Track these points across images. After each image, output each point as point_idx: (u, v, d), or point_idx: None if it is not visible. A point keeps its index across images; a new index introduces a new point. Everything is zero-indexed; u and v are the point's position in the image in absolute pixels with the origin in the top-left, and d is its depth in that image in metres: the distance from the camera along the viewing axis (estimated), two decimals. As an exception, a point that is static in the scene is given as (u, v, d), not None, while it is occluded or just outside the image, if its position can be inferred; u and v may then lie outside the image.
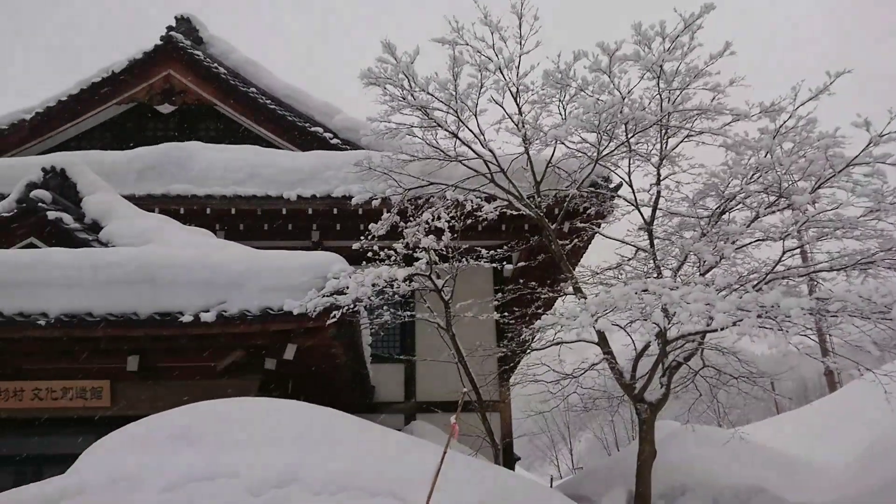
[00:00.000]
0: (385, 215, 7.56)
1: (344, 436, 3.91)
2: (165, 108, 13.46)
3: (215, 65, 13.55)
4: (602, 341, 6.72)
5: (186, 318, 6.74)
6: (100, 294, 6.87)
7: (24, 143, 13.03)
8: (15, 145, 12.90)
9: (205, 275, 6.95)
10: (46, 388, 7.90)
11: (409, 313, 8.03)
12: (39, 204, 8.45)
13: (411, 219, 7.44)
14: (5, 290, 6.84)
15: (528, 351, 7.62)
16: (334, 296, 6.55)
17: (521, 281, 8.03)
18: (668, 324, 5.44)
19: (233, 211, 10.40)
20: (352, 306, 6.51)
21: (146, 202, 10.10)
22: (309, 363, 8.00)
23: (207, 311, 6.79)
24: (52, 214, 8.40)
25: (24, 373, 7.90)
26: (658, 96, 6.55)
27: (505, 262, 8.12)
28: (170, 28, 13.83)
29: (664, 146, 6.91)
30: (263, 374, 7.84)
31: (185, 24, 14.10)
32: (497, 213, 7.67)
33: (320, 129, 12.78)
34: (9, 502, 3.46)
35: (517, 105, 7.03)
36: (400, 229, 7.47)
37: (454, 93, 6.82)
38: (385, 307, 7.56)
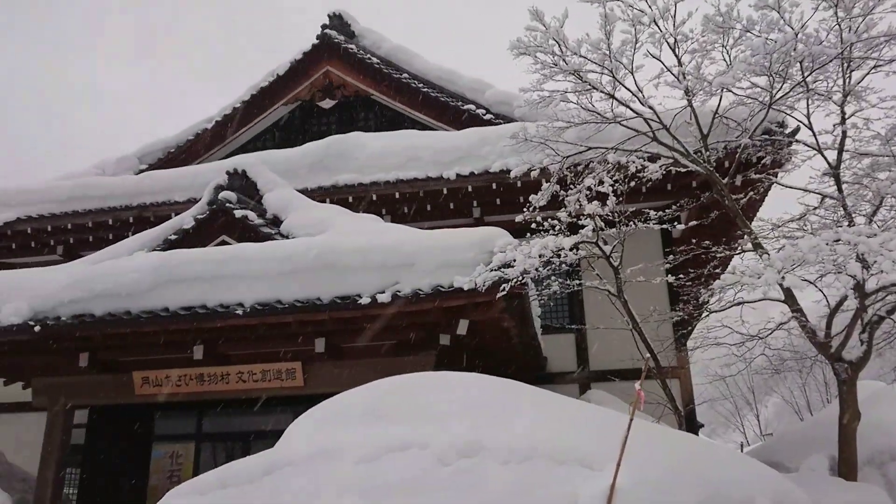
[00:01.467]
0: (544, 185, 7.49)
1: (525, 405, 3.97)
2: (326, 103, 14.19)
3: (368, 56, 14.06)
4: (790, 299, 6.27)
5: (364, 300, 7.10)
6: (286, 282, 7.41)
7: (207, 150, 14.30)
8: (200, 153, 14.18)
9: (378, 258, 7.28)
10: (248, 371, 8.67)
11: (577, 282, 7.95)
12: (227, 204, 9.24)
13: (572, 187, 7.32)
14: (207, 285, 7.57)
15: (706, 313, 7.29)
16: (502, 269, 6.62)
17: (693, 241, 7.68)
18: (867, 275, 4.98)
19: (396, 195, 10.80)
20: (520, 278, 6.54)
21: (317, 194, 10.74)
22: (481, 337, 8.16)
23: (383, 292, 7.11)
24: (238, 213, 9.16)
25: (229, 358, 8.73)
26: (837, 26, 5.95)
27: (676, 223, 7.78)
28: (324, 26, 14.52)
29: (847, 81, 6.27)
30: (439, 350, 8.10)
31: (337, 21, 14.74)
32: (662, 172, 7.35)
33: (473, 106, 12.90)
34: (231, 473, 3.86)
35: (676, 56, 6.66)
36: (561, 198, 7.38)
37: (607, 52, 6.59)
38: (552, 277, 7.52)
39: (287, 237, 8.75)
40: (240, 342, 8.45)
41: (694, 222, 7.97)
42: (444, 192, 10.64)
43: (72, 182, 12.42)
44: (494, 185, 10.43)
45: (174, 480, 9.99)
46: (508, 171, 9.44)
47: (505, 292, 6.61)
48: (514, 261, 6.45)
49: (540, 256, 6.37)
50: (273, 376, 8.65)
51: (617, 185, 7.18)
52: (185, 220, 9.39)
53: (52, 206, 11.86)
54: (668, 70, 6.72)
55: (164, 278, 7.71)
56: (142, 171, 13.57)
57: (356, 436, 3.70)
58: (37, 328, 7.81)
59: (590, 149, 7.35)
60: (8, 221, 11.73)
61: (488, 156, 10.49)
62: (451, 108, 13.07)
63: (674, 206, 7.99)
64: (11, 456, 10.81)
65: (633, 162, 7.28)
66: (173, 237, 9.24)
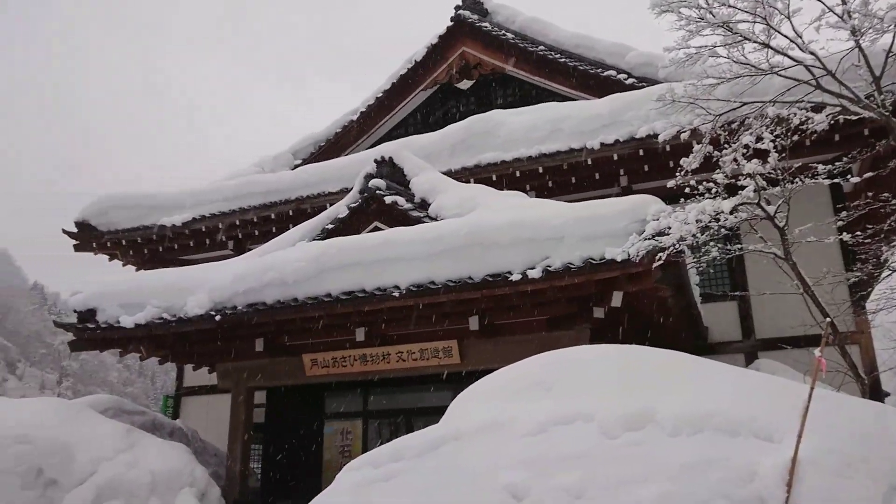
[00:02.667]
0: (696, 147, 7.12)
1: (693, 376, 3.83)
2: (464, 84, 14.29)
3: (502, 32, 13.98)
4: None
5: (515, 277, 7.13)
6: (438, 263, 7.59)
7: (354, 141, 14.87)
8: (348, 144, 14.78)
9: (527, 233, 7.27)
10: (407, 350, 9.01)
11: (738, 246, 7.53)
12: (377, 191, 9.59)
13: (726, 146, 6.91)
14: (364, 269, 7.91)
15: (888, 272, 6.67)
16: (655, 238, 6.40)
17: (869, 194, 7.02)
18: None
19: (540, 169, 10.71)
20: (675, 246, 6.29)
21: (461, 174, 10.88)
22: (637, 309, 7.96)
23: (533, 267, 7.11)
24: (388, 199, 9.48)
25: (389, 338, 9.10)
26: None
27: (848, 177, 7.15)
28: (457, 7, 14.58)
29: None
30: (593, 323, 8.00)
31: (469, 0, 14.75)
32: (829, 122, 6.76)
33: (613, 72, 12.50)
34: (402, 447, 4.04)
35: (839, -7, 6.08)
36: (715, 159, 6.99)
37: (760, -2, 6.13)
38: (711, 243, 7.17)
39: (435, 219, 8.94)
40: (398, 323, 8.79)
41: (869, 174, 7.27)
42: (589, 162, 10.42)
43: (236, 181, 13.37)
44: (641, 152, 10.08)
45: (345, 455, 10.60)
46: (655, 136, 9.08)
47: (661, 262, 6.39)
48: (669, 228, 6.21)
49: (697, 222, 6.08)
50: (431, 354, 8.93)
51: (778, 140, 6.70)
52: (340, 209, 9.84)
53: (221, 205, 12.84)
54: (830, 10, 6.15)
55: (326, 265, 8.14)
56: (296, 165, 14.36)
57: (522, 409, 3.75)
58: (217, 317, 8.53)
59: (744, 104, 6.89)
60: (185, 221, 12.86)
61: (633, 121, 10.14)
62: (590, 76, 12.74)
63: (844, 159, 7.32)
64: (203, 434, 11.92)
65: (795, 114, 6.75)
66: (330, 226, 9.72)
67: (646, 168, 10.36)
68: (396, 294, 7.66)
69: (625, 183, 10.88)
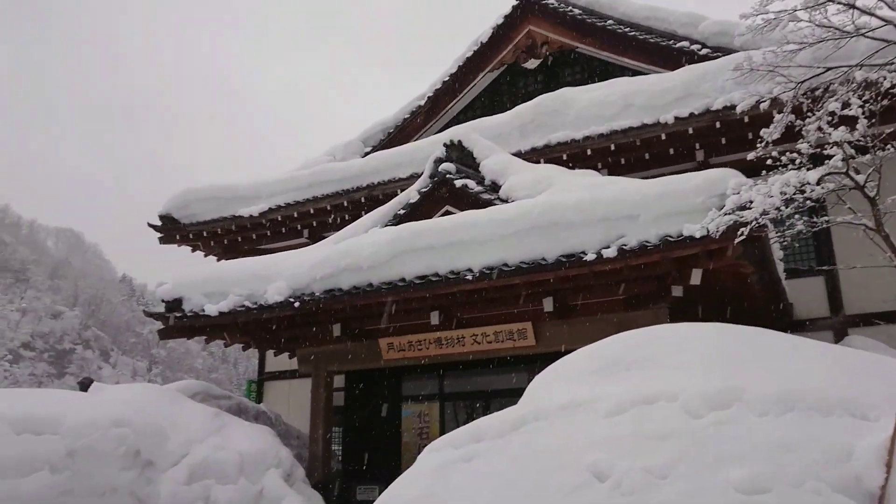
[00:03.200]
0: (777, 117, 6.82)
1: (780, 353, 3.70)
2: (531, 64, 14.12)
3: (569, 8, 13.73)
4: None
5: (590, 257, 7.04)
6: (511, 245, 7.56)
7: (422, 126, 14.92)
8: (416, 130, 14.85)
9: (600, 212, 7.16)
10: (482, 333, 9.04)
11: (824, 219, 7.20)
12: (447, 175, 9.61)
13: (810, 115, 6.60)
14: (437, 254, 7.96)
15: None
16: (736, 213, 6.18)
17: (969, 159, 6.57)
18: None
19: (612, 147, 10.50)
20: (758, 221, 6.06)
21: (531, 155, 10.79)
22: (718, 286, 7.74)
23: (608, 246, 7.00)
24: (458, 182, 9.49)
25: (463, 322, 9.15)
26: None
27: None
28: (521, -14, 14.39)
29: None
30: (672, 302, 7.83)
31: (533, -22, 14.53)
32: (922, 83, 6.36)
33: (686, 43, 12.10)
34: (482, 428, 4.07)
35: (934, -56, 5.69)
36: (797, 129, 6.68)
37: (845, -45, 5.80)
38: (795, 216, 6.88)
39: (507, 201, 8.90)
40: (472, 306, 8.82)
41: (972, 136, 6.83)
42: (663, 137, 10.15)
43: (309, 171, 13.65)
44: (717, 124, 9.75)
45: (423, 437, 10.74)
46: (733, 107, 8.74)
47: (742, 237, 6.18)
48: (751, 202, 5.98)
49: (781, 194, 5.84)
50: (505, 337, 8.94)
51: (866, 105, 6.35)
52: (411, 194, 9.92)
53: (296, 195, 13.14)
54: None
55: (399, 250, 8.24)
56: (367, 153, 14.54)
57: (603, 389, 3.71)
58: (296, 304, 8.77)
59: (829, 69, 6.55)
60: (262, 212, 13.23)
61: (708, 93, 9.81)
62: (662, 49, 12.37)
63: (943, 121, 6.90)
64: (286, 417, 12.31)
65: (885, 77, 6.38)
66: (402, 212, 9.82)
67: (723, 141, 10.02)
68: (469, 277, 7.68)
69: (701, 157, 10.55)
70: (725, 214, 6.24)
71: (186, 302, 9.67)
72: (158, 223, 13.99)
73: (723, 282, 7.64)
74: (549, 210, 7.49)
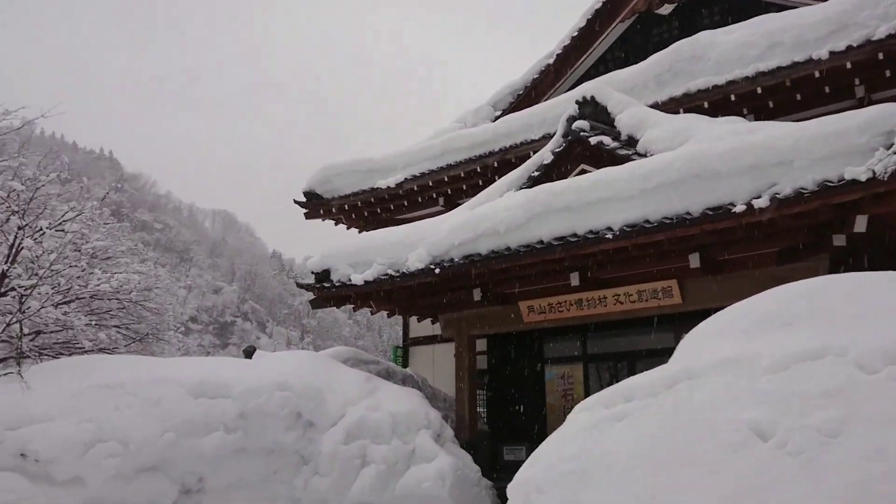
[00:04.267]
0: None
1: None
2: (665, 9, 13.40)
3: (703, -56, 12.86)
4: None
5: (739, 208, 6.65)
6: (652, 200, 7.29)
7: (552, 86, 14.62)
8: (546, 89, 14.57)
9: (748, 160, 6.73)
10: (624, 293, 8.84)
11: None
12: (581, 133, 9.39)
13: None
14: (575, 213, 7.83)
15: None
16: (908, 150, 5.62)
17: None
18: None
19: (758, 90, 9.80)
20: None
21: (669, 105, 10.29)
22: (886, 233, 7.10)
23: (759, 196, 6.58)
24: (593, 140, 9.25)
25: (604, 282, 8.98)
26: None
27: None
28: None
29: None
30: (832, 252, 7.28)
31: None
32: None
33: (839, -31, 11.00)
34: (633, 387, 4.00)
35: None
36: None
37: None
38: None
39: (645, 155, 8.58)
40: (613, 265, 8.63)
41: None
42: (816, 75, 9.34)
43: (441, 139, 13.78)
44: (880, 55, 8.83)
45: (567, 399, 10.73)
46: (899, 34, 7.93)
47: (916, 176, 5.62)
48: (926, 137, 5.42)
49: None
50: (649, 296, 8.69)
51: None
52: (545, 155, 9.79)
53: (429, 164, 13.34)
54: None
55: (535, 212, 8.18)
56: (497, 117, 14.47)
57: (761, 346, 3.52)
58: (436, 270, 8.95)
59: None
60: (398, 182, 13.55)
61: (868, 22, 8.90)
62: (811, -21, 11.34)
63: None
64: (431, 380, 12.70)
65: None
66: (536, 173, 9.72)
67: (887, 74, 9.08)
68: (609, 236, 7.50)
69: (861, 93, 9.63)
70: (894, 153, 5.70)
71: (334, 273, 10.12)
72: (303, 199, 14.69)
73: (892, 228, 7.00)
74: (692, 161, 7.14)
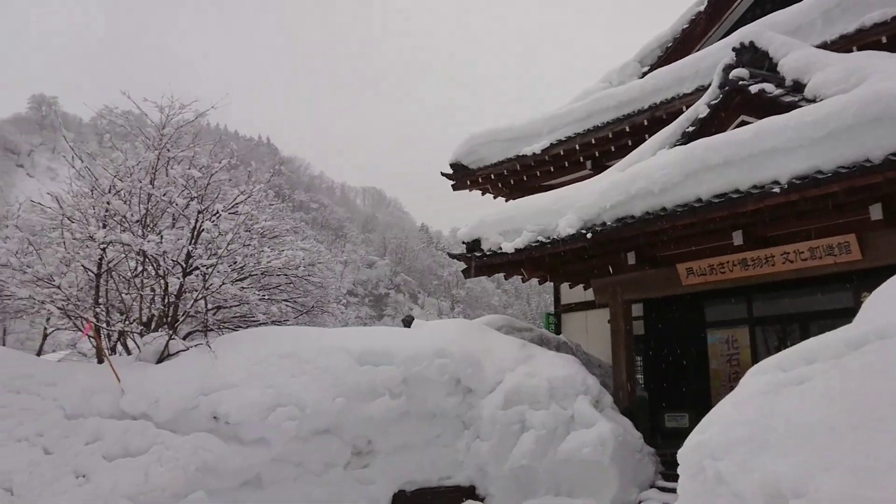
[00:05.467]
0: None
1: None
2: (830, -61, 12.16)
3: None
4: None
5: (929, 152, 5.99)
6: (823, 148, 6.73)
7: (702, 35, 13.80)
8: (697, 39, 13.78)
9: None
10: (793, 250, 8.26)
11: None
12: (739, 82, 8.80)
13: None
14: (735, 168, 7.38)
15: None
16: None
17: None
18: None
19: (947, 18, 8.72)
20: None
21: (840, 45, 9.41)
22: None
23: (954, 137, 5.88)
24: (753, 88, 8.65)
25: (771, 240, 8.44)
26: None
27: None
28: None
29: None
30: None
31: None
32: None
33: None
34: (813, 349, 3.74)
35: None
36: None
37: None
38: None
39: (813, 101, 7.90)
40: (780, 222, 8.09)
41: None
42: None
43: (585, 101, 13.44)
44: None
45: (733, 364, 10.25)
46: None
47: None
48: None
49: None
50: (823, 252, 8.06)
51: None
52: (699, 108, 9.28)
53: (575, 127, 13.06)
54: None
55: (692, 169, 7.79)
56: (644, 73, 13.88)
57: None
58: (588, 235, 8.79)
59: None
60: (544, 148, 13.39)
61: None
62: None
63: None
64: (584, 347, 12.58)
65: None
66: (690, 129, 9.25)
67: None
68: (777, 190, 7.01)
69: None
70: None
71: (484, 242, 10.23)
72: (450, 172, 14.92)
73: None
74: (870, 103, 6.48)
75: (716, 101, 9.02)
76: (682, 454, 4.00)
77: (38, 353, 12.10)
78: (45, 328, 12.28)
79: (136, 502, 6.67)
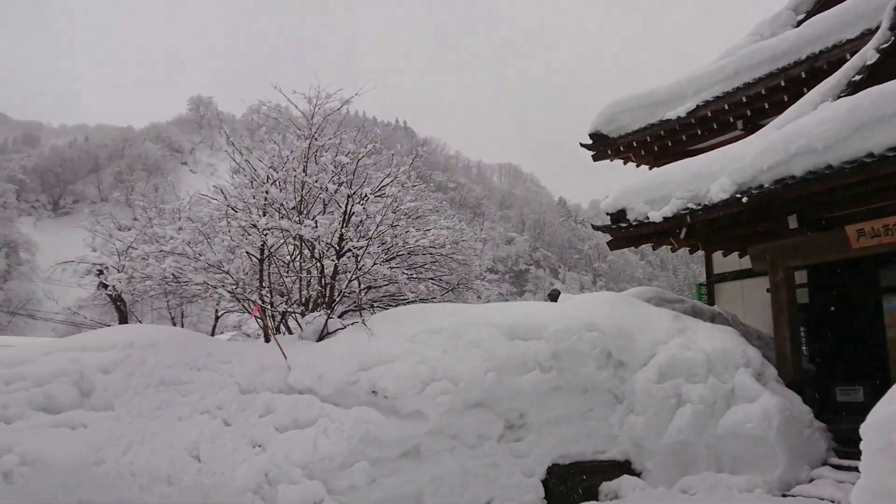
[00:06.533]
0: None
1: None
2: None
3: None
4: None
5: None
6: None
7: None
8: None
9: None
10: None
11: None
12: (915, 21, 7.94)
13: None
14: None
15: None
16: None
17: None
18: None
19: None
20: None
21: None
22: None
23: None
24: (932, 26, 7.77)
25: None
26: None
27: None
28: None
29: None
30: None
31: None
32: None
33: None
34: None
35: None
36: None
37: None
38: None
39: None
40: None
41: None
42: None
43: (734, 57, 12.62)
44: None
45: (913, 332, 9.37)
46: None
47: None
48: None
49: None
50: None
51: None
52: (867, 55, 8.47)
53: (723, 86, 12.31)
54: None
55: (861, 122, 7.14)
56: (799, 21, 12.85)
57: None
58: (743, 199, 8.30)
59: None
60: (689, 111, 12.74)
61: None
62: None
63: None
64: (741, 318, 11.95)
65: None
66: (856, 77, 8.47)
67: None
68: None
69: None
70: None
71: (629, 212, 9.94)
72: (589, 142, 14.58)
73: None
74: None
75: (886, 45, 8.20)
76: (865, 428, 3.72)
77: (212, 334, 13.21)
78: (216, 311, 13.35)
79: (307, 470, 7.14)
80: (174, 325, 13.36)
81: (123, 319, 13.77)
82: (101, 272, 13.48)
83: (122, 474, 7.74)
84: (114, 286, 12.41)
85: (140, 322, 14.01)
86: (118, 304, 13.67)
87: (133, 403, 8.44)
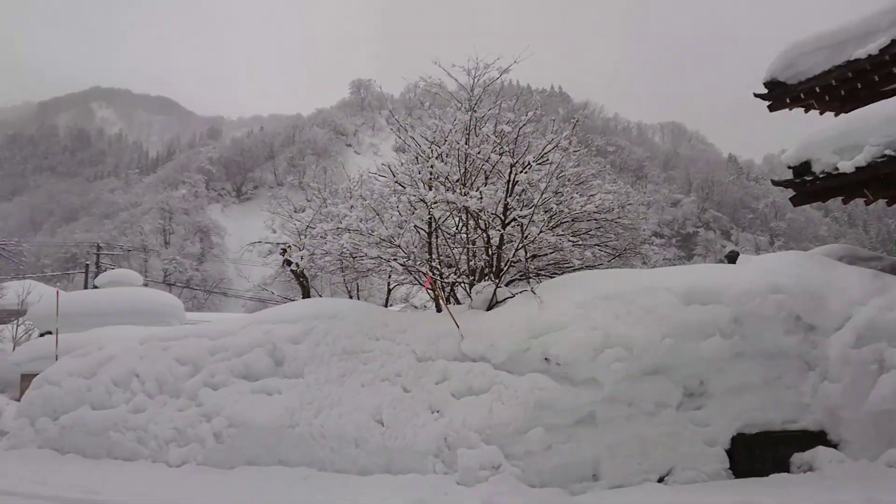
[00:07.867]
0: None
1: None
2: None
3: None
4: None
5: None
6: None
7: None
8: None
9: None
10: None
11: None
12: None
13: None
14: None
15: None
16: None
17: None
18: None
19: None
20: None
21: None
22: None
23: None
24: None
25: None
26: None
27: None
28: None
29: None
30: None
31: None
32: None
33: None
34: None
35: None
36: None
37: None
38: None
39: None
40: None
41: None
42: None
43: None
44: None
45: None
46: None
47: None
48: None
49: None
50: None
51: None
52: None
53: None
54: None
55: None
56: None
57: None
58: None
59: None
60: (883, 47, 11.38)
61: None
62: None
63: None
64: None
65: None
66: None
67: None
68: None
69: None
70: None
71: (815, 164, 9.19)
72: (764, 91, 13.52)
73: None
74: None
75: None
76: None
77: (385, 306, 13.84)
78: (388, 284, 13.95)
79: (483, 435, 7.32)
80: (350, 298, 14.15)
81: (306, 294, 14.77)
82: (284, 251, 14.54)
83: (314, 436, 8.35)
84: (297, 263, 13.33)
85: (321, 296, 14.95)
86: (301, 279, 14.69)
87: (320, 371, 9.05)
